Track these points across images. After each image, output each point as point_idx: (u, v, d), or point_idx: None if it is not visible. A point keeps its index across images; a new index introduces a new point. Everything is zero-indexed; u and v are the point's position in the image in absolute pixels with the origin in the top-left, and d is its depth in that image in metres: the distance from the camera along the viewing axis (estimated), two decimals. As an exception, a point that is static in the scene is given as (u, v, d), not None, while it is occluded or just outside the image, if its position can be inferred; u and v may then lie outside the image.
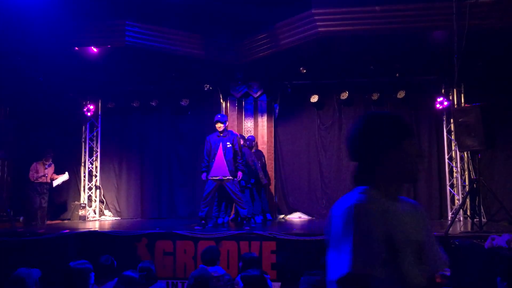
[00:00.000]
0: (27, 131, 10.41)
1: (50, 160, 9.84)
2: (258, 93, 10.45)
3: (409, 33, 8.35)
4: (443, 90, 9.95)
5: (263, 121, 10.56)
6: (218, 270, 4.79)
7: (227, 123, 8.21)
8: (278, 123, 10.81)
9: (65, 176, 10.06)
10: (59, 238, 7.06)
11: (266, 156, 10.29)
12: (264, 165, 9.91)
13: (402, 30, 8.13)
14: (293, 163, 10.78)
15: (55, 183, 9.88)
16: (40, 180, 9.59)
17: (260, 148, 10.35)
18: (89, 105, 10.99)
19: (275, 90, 10.59)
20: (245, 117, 10.62)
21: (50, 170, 9.79)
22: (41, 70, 9.49)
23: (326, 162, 10.60)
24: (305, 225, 9.08)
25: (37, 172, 9.58)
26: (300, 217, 10.54)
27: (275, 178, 10.59)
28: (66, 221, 10.53)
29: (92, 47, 8.97)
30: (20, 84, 9.75)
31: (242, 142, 8.96)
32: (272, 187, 10.47)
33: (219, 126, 7.84)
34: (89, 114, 11.05)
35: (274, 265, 6.50)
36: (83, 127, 11.27)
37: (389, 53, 9.14)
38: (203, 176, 7.88)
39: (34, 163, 9.65)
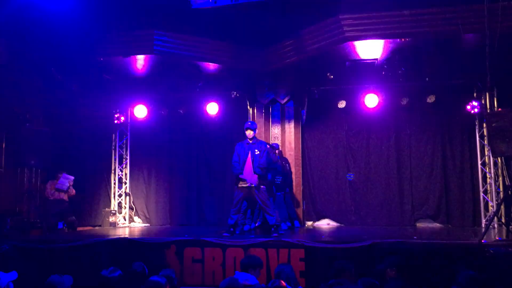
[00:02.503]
0: (59, 140, 10.65)
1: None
2: (285, 99, 10.42)
3: (439, 37, 8.19)
4: (475, 94, 9.71)
5: (290, 127, 10.52)
6: (250, 279, 4.72)
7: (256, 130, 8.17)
8: (305, 129, 10.75)
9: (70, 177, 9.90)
10: (90, 245, 7.17)
11: (294, 163, 10.25)
12: (289, 172, 9.86)
13: (432, 33, 7.99)
14: (321, 169, 10.69)
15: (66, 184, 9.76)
16: (55, 196, 9.57)
17: (287, 154, 10.31)
18: (118, 114, 11.18)
19: (302, 96, 10.54)
20: (272, 123, 10.60)
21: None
22: (73, 79, 9.71)
23: (355, 168, 10.47)
24: (334, 232, 8.98)
25: (51, 189, 9.61)
26: (328, 224, 10.44)
27: (302, 184, 10.52)
28: (97, 228, 10.72)
29: (121, 57, 9.13)
30: (53, 93, 10.00)
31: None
32: (300, 194, 10.40)
33: (249, 133, 7.83)
34: (118, 122, 11.23)
35: (303, 273, 6.43)
36: (113, 135, 11.47)
37: (419, 57, 8.97)
38: (242, 175, 7.79)
39: (49, 181, 9.77)
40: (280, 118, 10.56)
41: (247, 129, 7.86)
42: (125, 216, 11.29)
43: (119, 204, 11.32)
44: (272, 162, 8.54)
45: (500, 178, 9.33)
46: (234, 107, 10.80)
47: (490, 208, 9.45)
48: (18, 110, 10.10)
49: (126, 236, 8.10)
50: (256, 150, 7.76)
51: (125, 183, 11.43)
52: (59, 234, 9.12)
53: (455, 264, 5.26)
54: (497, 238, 6.47)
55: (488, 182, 9.57)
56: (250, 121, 8.42)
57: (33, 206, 9.67)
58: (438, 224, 9.82)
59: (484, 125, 9.38)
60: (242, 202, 7.84)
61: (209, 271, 6.73)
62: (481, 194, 9.56)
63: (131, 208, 11.41)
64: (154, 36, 8.65)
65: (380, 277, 4.88)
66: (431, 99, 9.71)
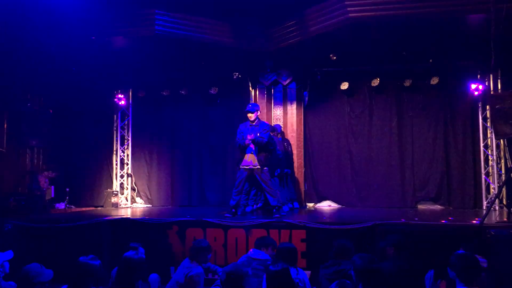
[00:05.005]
0: (61, 120, 10.64)
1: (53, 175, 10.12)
2: (287, 81, 10.36)
3: (444, 17, 8.08)
4: (479, 76, 9.64)
5: (292, 109, 10.47)
6: (262, 254, 5.01)
7: (259, 112, 8.11)
8: (307, 111, 10.71)
9: None
10: (92, 225, 7.20)
11: (295, 144, 10.23)
12: (290, 154, 9.85)
13: (437, 14, 7.87)
14: (323, 151, 10.69)
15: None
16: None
17: (289, 136, 10.29)
18: (120, 94, 11.15)
19: (304, 77, 10.48)
20: (274, 105, 10.55)
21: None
22: (74, 60, 9.64)
23: (356, 150, 10.46)
24: (335, 214, 9.00)
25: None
26: (329, 206, 10.47)
27: (304, 166, 10.52)
28: (99, 208, 10.76)
29: (123, 37, 9.04)
30: (53, 74, 9.95)
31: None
32: (301, 176, 10.41)
33: (250, 116, 7.79)
34: (120, 103, 11.21)
35: (304, 254, 6.46)
36: (115, 116, 11.45)
37: (422, 38, 8.87)
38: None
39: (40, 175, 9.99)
40: (282, 99, 10.50)
41: (247, 112, 7.82)
42: (127, 197, 11.33)
43: (121, 185, 11.35)
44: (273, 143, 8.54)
45: (502, 161, 9.33)
46: (236, 88, 10.74)
47: (492, 190, 9.47)
48: (19, 90, 10.08)
49: (128, 216, 8.13)
50: (259, 133, 7.73)
51: (127, 164, 11.45)
52: (61, 214, 9.16)
53: (455, 245, 5.26)
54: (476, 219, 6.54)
55: (490, 164, 9.57)
56: (250, 104, 8.30)
57: (35, 186, 9.69)
58: (439, 206, 9.84)
59: (488, 107, 9.35)
60: (244, 183, 7.85)
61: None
62: (483, 176, 9.57)
63: (133, 189, 11.44)
64: (156, 15, 8.55)
65: (380, 256, 4.90)
66: (434, 80, 9.67)
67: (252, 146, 7.66)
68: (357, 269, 3.74)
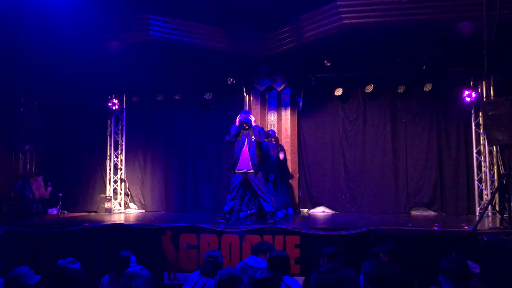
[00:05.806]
0: (54, 125, 10.59)
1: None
2: (282, 87, 10.38)
3: (437, 24, 8.14)
4: (471, 83, 9.71)
5: (286, 114, 10.49)
6: (259, 261, 4.90)
7: (252, 118, 8.13)
8: (301, 117, 10.74)
9: None
10: (85, 230, 7.17)
11: (289, 150, 10.24)
12: (284, 160, 9.86)
13: (430, 21, 7.92)
14: (317, 157, 10.70)
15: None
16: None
17: (283, 141, 10.30)
18: (114, 99, 11.12)
19: (299, 83, 10.51)
20: (268, 110, 10.57)
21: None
22: (68, 64, 9.62)
23: (350, 156, 10.49)
24: (329, 220, 9.02)
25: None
26: (323, 211, 10.47)
27: (298, 172, 10.53)
28: (92, 214, 10.70)
29: (117, 42, 9.03)
30: (48, 78, 9.92)
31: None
32: (295, 181, 10.41)
33: (246, 127, 7.84)
34: (114, 108, 11.17)
35: (298, 260, 6.47)
36: (109, 121, 11.42)
37: (416, 45, 8.93)
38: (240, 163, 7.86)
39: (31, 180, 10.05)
40: (277, 105, 10.53)
41: (242, 123, 7.81)
42: (121, 202, 11.28)
43: (115, 190, 11.30)
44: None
45: (495, 167, 9.39)
46: (230, 94, 10.75)
47: (485, 196, 9.51)
48: (13, 95, 10.04)
49: (122, 222, 8.10)
50: (253, 137, 7.76)
51: (121, 169, 11.41)
52: (54, 219, 9.11)
53: (448, 251, 5.28)
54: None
55: (483, 170, 9.62)
56: (244, 112, 8.18)
57: (27, 191, 9.64)
58: (432, 212, 9.87)
59: (480, 113, 9.42)
60: (239, 188, 7.85)
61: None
62: (476, 182, 9.62)
63: (126, 194, 11.39)
64: (150, 21, 8.55)
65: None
66: (427, 87, 9.73)
67: (246, 150, 7.70)
68: (367, 274, 3.78)
